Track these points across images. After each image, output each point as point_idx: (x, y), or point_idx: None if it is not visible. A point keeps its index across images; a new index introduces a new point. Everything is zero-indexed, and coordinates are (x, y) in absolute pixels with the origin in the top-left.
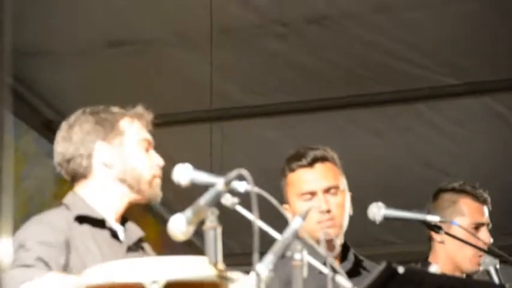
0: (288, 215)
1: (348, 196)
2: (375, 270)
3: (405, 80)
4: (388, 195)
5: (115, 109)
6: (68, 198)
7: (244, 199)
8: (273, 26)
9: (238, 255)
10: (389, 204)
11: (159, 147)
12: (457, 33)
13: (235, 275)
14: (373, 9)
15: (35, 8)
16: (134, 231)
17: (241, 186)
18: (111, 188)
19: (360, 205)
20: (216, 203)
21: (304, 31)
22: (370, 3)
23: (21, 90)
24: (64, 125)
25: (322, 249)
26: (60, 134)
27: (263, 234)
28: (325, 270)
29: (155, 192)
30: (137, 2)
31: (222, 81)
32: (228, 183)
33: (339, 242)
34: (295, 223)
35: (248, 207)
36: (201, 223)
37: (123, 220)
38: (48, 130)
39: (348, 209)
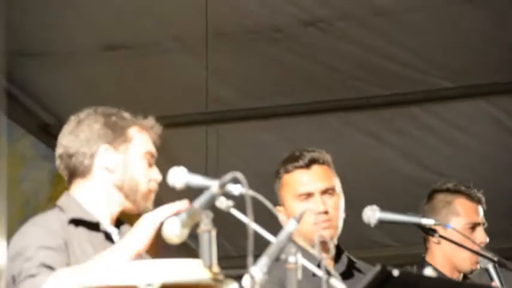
0: (282, 217)
1: (343, 198)
2: (369, 272)
3: (400, 83)
4: (383, 198)
5: (126, 115)
6: (62, 201)
7: (239, 202)
8: (268, 29)
9: (233, 257)
10: (384, 207)
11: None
12: (453, 37)
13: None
14: (368, 13)
15: (32, 9)
16: None
17: (236, 189)
18: (107, 192)
19: (355, 208)
20: (211, 205)
21: (299, 34)
22: (366, 7)
23: (20, 93)
24: (73, 120)
25: (316, 252)
26: (68, 128)
27: (258, 237)
28: (319, 272)
29: (148, 206)
30: (134, 6)
31: (218, 84)
32: (222, 186)
33: (333, 244)
34: (289, 226)
35: (243, 210)
36: (197, 226)
37: (118, 222)
38: (46, 134)
39: (343, 211)
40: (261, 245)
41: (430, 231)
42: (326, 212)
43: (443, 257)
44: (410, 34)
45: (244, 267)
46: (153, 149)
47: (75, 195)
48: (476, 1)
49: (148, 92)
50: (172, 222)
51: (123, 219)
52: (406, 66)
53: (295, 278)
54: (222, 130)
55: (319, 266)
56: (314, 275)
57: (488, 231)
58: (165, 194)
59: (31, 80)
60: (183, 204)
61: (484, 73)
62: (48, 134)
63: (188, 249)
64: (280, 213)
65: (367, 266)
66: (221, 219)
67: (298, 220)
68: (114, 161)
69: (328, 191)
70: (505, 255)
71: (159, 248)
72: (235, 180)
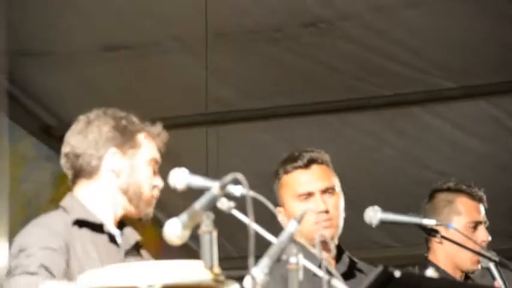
0: (282, 218)
1: (342, 198)
2: (371, 273)
3: (401, 83)
4: (384, 198)
5: (135, 120)
6: (66, 201)
7: (240, 203)
8: (268, 29)
9: (235, 258)
10: (385, 207)
11: None
12: (454, 37)
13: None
14: (369, 13)
15: (32, 10)
16: (131, 236)
17: (237, 190)
18: (112, 195)
19: (357, 208)
20: (212, 206)
21: (299, 34)
22: (366, 7)
23: (20, 94)
24: (82, 119)
25: (317, 251)
26: (77, 127)
27: (259, 237)
28: (320, 273)
29: (149, 212)
30: (134, 6)
31: (218, 85)
32: (223, 187)
33: (334, 243)
34: (290, 226)
35: (244, 211)
36: (198, 227)
37: (121, 224)
38: (47, 135)
39: (343, 211)
40: (262, 245)
41: (431, 232)
42: (327, 211)
43: (446, 257)
44: (411, 34)
45: (245, 268)
46: (158, 157)
47: (78, 196)
48: (477, 1)
49: (148, 92)
50: (173, 223)
51: (125, 221)
52: (407, 66)
53: (297, 279)
54: (222, 131)
55: (320, 266)
56: (315, 275)
57: (488, 231)
58: (165, 194)
59: (31, 80)
60: None
61: (485, 73)
62: (50, 136)
63: (189, 250)
64: (280, 213)
65: (369, 266)
66: (222, 220)
67: (299, 221)
68: (121, 165)
69: (328, 191)
70: (505, 256)
71: (160, 249)
72: (236, 181)
